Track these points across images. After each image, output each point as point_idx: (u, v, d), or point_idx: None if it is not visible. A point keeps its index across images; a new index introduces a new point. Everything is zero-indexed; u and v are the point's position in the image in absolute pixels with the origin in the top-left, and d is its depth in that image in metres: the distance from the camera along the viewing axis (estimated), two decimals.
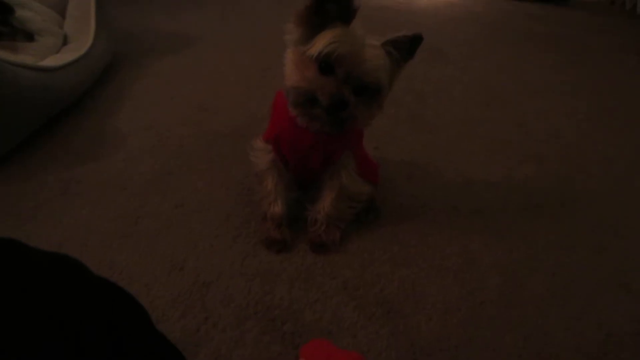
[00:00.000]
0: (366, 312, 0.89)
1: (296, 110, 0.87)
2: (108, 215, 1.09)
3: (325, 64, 0.80)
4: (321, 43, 0.78)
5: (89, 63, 1.52)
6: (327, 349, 0.76)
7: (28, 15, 1.56)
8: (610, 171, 1.43)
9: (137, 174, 1.23)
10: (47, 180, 1.18)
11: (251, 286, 0.92)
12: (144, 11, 2.56)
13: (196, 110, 1.57)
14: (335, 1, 0.78)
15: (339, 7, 0.79)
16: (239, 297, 0.90)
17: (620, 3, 3.83)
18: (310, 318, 0.87)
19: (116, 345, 0.36)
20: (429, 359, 0.82)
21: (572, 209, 1.25)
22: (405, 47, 0.85)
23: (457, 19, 2.91)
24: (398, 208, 1.18)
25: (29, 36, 1.50)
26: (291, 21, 0.83)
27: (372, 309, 0.90)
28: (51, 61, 1.38)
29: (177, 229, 1.06)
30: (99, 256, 0.97)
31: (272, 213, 1.02)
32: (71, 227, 1.04)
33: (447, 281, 0.99)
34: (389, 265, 1.01)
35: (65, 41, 1.64)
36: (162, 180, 1.22)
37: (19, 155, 1.25)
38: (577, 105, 1.86)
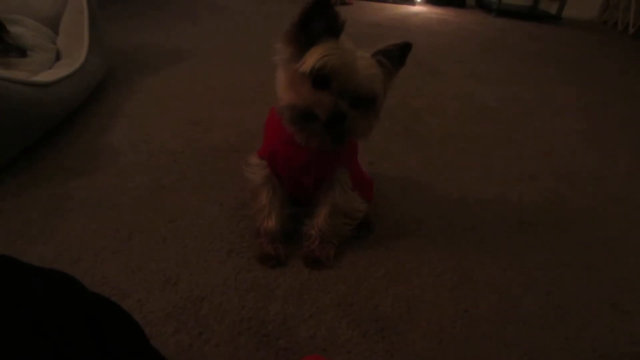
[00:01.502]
0: (361, 329, 0.88)
1: (293, 127, 0.87)
2: (101, 231, 1.08)
3: (319, 79, 0.80)
4: (313, 58, 0.79)
5: (82, 79, 1.52)
6: None
7: (21, 31, 1.57)
8: (603, 189, 1.45)
9: (130, 190, 1.22)
10: (40, 195, 1.17)
11: (245, 301, 0.91)
12: (137, 27, 2.59)
13: (189, 125, 1.57)
14: (321, 17, 0.79)
15: (326, 22, 0.80)
16: (232, 313, 0.89)
17: (613, 23, 3.93)
18: (304, 334, 0.86)
19: (110, 356, 0.35)
20: None
21: (565, 227, 1.26)
22: (395, 56, 0.86)
23: (452, 36, 2.97)
24: (392, 224, 1.19)
25: (22, 52, 1.50)
26: (280, 41, 0.84)
27: (367, 325, 0.89)
28: (44, 77, 1.38)
29: (170, 244, 1.05)
30: (92, 271, 0.96)
31: (266, 228, 1.02)
32: (64, 243, 1.03)
33: (442, 298, 0.98)
34: (384, 281, 1.00)
35: (58, 57, 1.65)
36: (156, 195, 1.21)
37: (11, 170, 1.24)
38: (570, 123, 1.89)
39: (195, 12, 3.23)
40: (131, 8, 3.06)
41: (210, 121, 1.61)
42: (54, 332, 0.33)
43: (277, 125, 0.92)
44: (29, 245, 1.02)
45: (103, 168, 1.30)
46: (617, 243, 1.21)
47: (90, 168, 1.30)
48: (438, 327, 0.91)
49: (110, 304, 0.41)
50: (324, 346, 0.84)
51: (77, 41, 1.66)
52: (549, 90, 2.22)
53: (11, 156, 1.25)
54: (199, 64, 2.13)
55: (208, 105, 1.73)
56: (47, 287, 0.36)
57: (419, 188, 1.35)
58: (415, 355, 0.85)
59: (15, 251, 0.99)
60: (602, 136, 1.81)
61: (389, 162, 1.46)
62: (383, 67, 0.85)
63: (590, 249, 1.18)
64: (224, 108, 1.72)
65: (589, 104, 2.11)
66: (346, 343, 0.85)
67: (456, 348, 0.88)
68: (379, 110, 0.89)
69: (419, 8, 4.37)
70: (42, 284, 0.36)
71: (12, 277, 0.34)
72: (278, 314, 0.89)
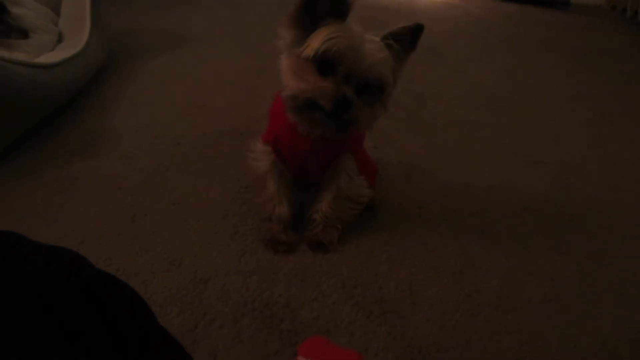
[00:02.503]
0: (364, 311, 0.89)
1: (296, 116, 0.85)
2: (105, 213, 1.08)
3: (324, 64, 0.77)
4: (317, 41, 0.75)
5: (84, 60, 1.51)
6: (325, 346, 0.76)
7: (22, 13, 1.55)
8: (610, 177, 1.44)
9: (133, 172, 1.22)
10: (44, 177, 1.17)
11: (249, 283, 0.92)
12: (140, 9, 2.56)
13: (192, 109, 1.57)
14: None
15: (331, 4, 0.76)
16: (236, 294, 0.89)
17: (622, 9, 3.86)
18: (308, 316, 0.86)
19: (118, 336, 0.35)
20: (426, 359, 0.82)
21: (570, 215, 1.25)
22: (406, 39, 0.82)
23: (458, 21, 2.93)
24: (396, 209, 1.18)
25: (24, 33, 1.49)
26: (283, 25, 0.81)
27: (370, 308, 0.90)
28: (46, 58, 1.37)
29: (174, 226, 1.06)
30: (96, 254, 0.96)
31: (278, 215, 1.01)
32: (68, 225, 1.03)
33: (445, 283, 0.99)
34: (387, 265, 1.00)
35: (60, 39, 1.64)
36: (159, 178, 1.21)
37: (14, 153, 1.24)
38: (577, 110, 1.87)
39: None
40: None
41: (213, 105, 1.60)
42: (59, 308, 0.33)
43: (281, 112, 0.90)
44: (33, 226, 1.02)
45: (106, 151, 1.30)
46: (622, 232, 1.20)
47: (94, 151, 1.29)
48: (440, 311, 0.92)
49: (116, 281, 0.41)
50: (327, 328, 0.85)
51: (79, 23, 1.64)
52: (556, 77, 2.20)
53: (14, 138, 1.25)
54: (202, 47, 2.11)
55: (211, 89, 1.71)
56: (52, 263, 0.36)
57: (423, 173, 1.34)
58: (418, 339, 0.85)
59: (19, 232, 0.99)
60: (609, 123, 1.79)
61: (393, 147, 1.45)
62: (393, 51, 0.81)
63: (595, 237, 1.18)
64: (228, 91, 1.71)
65: (596, 91, 2.09)
66: (349, 325, 0.86)
67: (458, 332, 0.88)
68: (387, 100, 0.85)
69: None
70: (48, 260, 0.36)
71: (17, 253, 0.34)
72: (281, 296, 0.90)
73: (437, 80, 1.98)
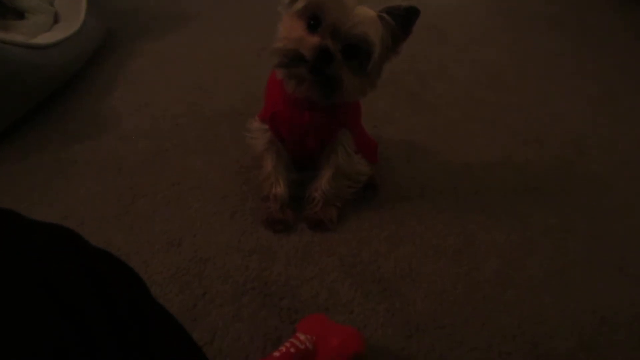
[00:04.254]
0: (363, 289, 0.89)
1: (281, 72, 0.85)
2: (105, 194, 1.08)
3: (313, 20, 0.78)
4: None
5: (81, 41, 1.49)
6: (324, 323, 0.77)
7: None
8: (612, 156, 1.42)
9: (132, 154, 1.22)
10: (44, 159, 1.17)
11: (248, 263, 0.92)
12: None
13: (191, 89, 1.55)
14: None
15: None
16: (236, 274, 0.90)
17: None
18: (307, 294, 0.87)
19: (116, 314, 0.36)
20: (425, 335, 0.83)
21: (571, 193, 1.24)
22: (399, 20, 0.81)
23: None
24: (396, 188, 1.18)
25: (19, 14, 1.47)
26: None
27: (369, 286, 0.90)
28: (43, 39, 1.35)
29: (174, 207, 1.06)
30: (96, 234, 0.97)
31: (275, 194, 1.01)
32: (68, 206, 1.04)
33: (444, 261, 0.99)
34: (386, 244, 1.01)
35: (56, 19, 1.61)
36: (158, 159, 1.21)
37: (13, 135, 1.23)
38: (580, 88, 1.84)
39: None
40: None
41: (213, 85, 1.58)
42: (58, 286, 0.33)
43: (279, 86, 0.90)
44: (33, 208, 1.02)
45: (106, 132, 1.29)
46: (624, 210, 1.20)
47: (93, 132, 1.29)
48: (439, 288, 0.92)
49: (113, 259, 0.41)
50: (327, 306, 0.86)
51: (75, 3, 1.61)
52: (559, 54, 2.15)
53: (13, 120, 1.24)
54: (201, 27, 2.07)
55: (211, 69, 1.69)
56: (50, 241, 0.36)
57: (424, 152, 1.33)
58: (417, 315, 0.86)
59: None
60: (613, 101, 1.76)
61: (394, 127, 1.44)
62: (385, 24, 0.80)
63: (596, 214, 1.17)
64: (227, 72, 1.69)
65: (600, 68, 2.05)
66: (348, 303, 0.86)
67: (457, 309, 0.89)
68: (374, 70, 0.84)
69: None
70: (46, 237, 0.36)
71: (15, 230, 0.34)
72: (281, 275, 0.90)
73: (438, 59, 1.95)
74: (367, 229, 1.04)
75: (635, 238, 1.11)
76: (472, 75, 1.85)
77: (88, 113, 1.38)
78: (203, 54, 1.82)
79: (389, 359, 0.80)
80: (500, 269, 0.99)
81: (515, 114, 1.61)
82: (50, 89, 1.36)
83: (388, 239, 1.02)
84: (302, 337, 0.72)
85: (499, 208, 1.16)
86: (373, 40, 0.78)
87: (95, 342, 0.33)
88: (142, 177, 1.14)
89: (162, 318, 0.45)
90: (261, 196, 1.05)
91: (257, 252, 0.95)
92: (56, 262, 0.34)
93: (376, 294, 0.89)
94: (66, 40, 1.37)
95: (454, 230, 1.07)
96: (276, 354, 0.69)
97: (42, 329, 0.30)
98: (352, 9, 0.77)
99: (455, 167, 1.29)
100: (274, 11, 0.85)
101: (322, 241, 0.99)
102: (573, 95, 1.78)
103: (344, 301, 0.87)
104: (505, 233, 1.08)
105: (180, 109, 1.43)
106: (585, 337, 0.87)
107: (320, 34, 0.78)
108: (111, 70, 1.62)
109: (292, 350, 0.70)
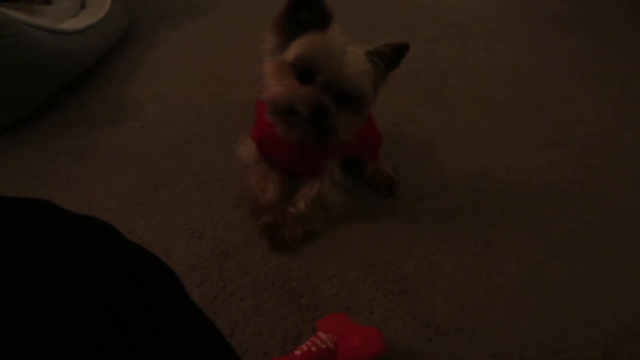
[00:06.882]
0: (383, 290, 0.89)
1: (275, 120, 0.84)
2: (126, 182, 1.08)
3: (304, 72, 0.77)
4: (297, 48, 0.76)
5: (106, 28, 1.49)
6: (345, 323, 0.77)
7: None
8: (636, 161, 1.40)
9: (154, 142, 1.22)
10: (65, 145, 1.17)
11: (269, 258, 0.92)
12: None
13: (213, 79, 1.55)
14: (308, 8, 0.75)
15: (312, 14, 0.76)
16: (256, 268, 0.90)
17: None
18: (327, 292, 0.87)
19: (151, 312, 0.35)
20: (445, 339, 0.82)
21: (594, 198, 1.23)
22: (389, 57, 0.82)
23: None
24: (416, 187, 1.17)
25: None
26: (267, 30, 0.81)
27: (390, 286, 0.90)
28: (69, 25, 1.35)
29: (194, 198, 1.06)
30: (117, 222, 0.94)
31: (265, 201, 0.98)
32: (89, 192, 1.04)
33: (464, 264, 0.98)
34: (406, 244, 1.00)
35: (82, 5, 1.62)
36: (179, 148, 1.21)
37: (36, 120, 1.24)
38: (603, 90, 1.80)
39: None
40: None
41: (233, 75, 1.58)
42: (95, 280, 0.33)
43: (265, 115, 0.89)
44: (55, 193, 1.03)
45: (127, 120, 1.30)
46: None
47: (114, 119, 1.29)
48: (460, 291, 0.91)
49: (149, 255, 0.41)
50: (347, 305, 0.85)
51: None
52: (583, 55, 2.11)
53: (37, 105, 1.25)
54: (223, 17, 2.07)
55: (232, 60, 1.69)
56: (87, 234, 0.36)
57: (444, 152, 1.32)
58: (437, 318, 0.85)
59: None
60: (636, 105, 1.73)
61: (414, 125, 1.42)
62: (375, 65, 0.80)
63: (619, 220, 1.16)
64: (248, 62, 1.68)
65: (622, 70, 2.01)
66: (369, 303, 0.86)
67: (477, 313, 0.88)
68: (367, 110, 0.85)
69: None
70: (83, 230, 0.36)
71: (52, 222, 0.34)
72: (301, 272, 0.90)
73: (459, 57, 1.92)
74: (387, 229, 1.03)
75: None
76: (492, 74, 1.83)
77: (110, 100, 1.38)
78: (224, 44, 1.81)
79: None
80: (521, 274, 0.98)
81: (537, 114, 1.58)
82: (74, 75, 1.37)
83: (408, 239, 1.01)
84: (323, 336, 0.72)
85: (520, 211, 1.15)
86: (366, 91, 0.80)
87: (133, 340, 0.33)
88: (163, 166, 1.14)
89: (196, 316, 0.45)
90: (251, 209, 1.01)
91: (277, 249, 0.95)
92: (93, 255, 0.34)
93: (396, 295, 0.88)
94: (92, 27, 1.38)
95: (474, 232, 1.06)
96: (297, 352, 0.69)
97: (81, 324, 0.30)
98: (343, 55, 0.77)
99: (476, 167, 1.28)
100: None
101: (343, 240, 0.99)
102: (594, 96, 1.75)
103: (364, 301, 0.86)
104: (526, 237, 1.07)
105: (200, 99, 1.42)
106: (608, 346, 0.86)
107: (314, 87, 0.77)
108: (133, 59, 1.62)
109: (314, 349, 0.69)
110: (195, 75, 1.57)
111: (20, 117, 1.21)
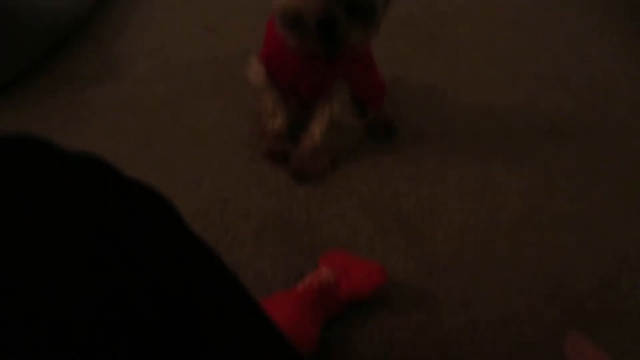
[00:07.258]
0: (383, 228, 0.89)
1: (285, 32, 0.81)
2: (122, 138, 1.08)
3: None
4: None
5: None
6: (346, 257, 0.77)
7: None
8: None
9: (147, 97, 1.20)
10: (59, 103, 1.16)
11: (269, 203, 0.92)
12: None
13: (204, 32, 1.51)
14: None
15: None
16: (257, 212, 0.90)
17: None
18: (328, 233, 0.87)
19: (156, 244, 0.35)
20: (445, 273, 0.83)
21: (598, 137, 1.20)
22: None
23: None
24: (417, 130, 1.15)
25: None
26: None
27: (390, 224, 0.90)
28: None
29: (191, 149, 1.05)
30: None
31: (272, 128, 0.98)
32: (87, 148, 1.03)
33: (466, 202, 0.98)
34: (407, 184, 0.99)
35: None
36: (173, 103, 1.19)
37: (26, 80, 1.22)
38: (609, 28, 1.74)
39: None
40: None
41: (225, 28, 1.53)
42: (94, 210, 0.32)
43: (275, 29, 0.86)
44: None
45: (119, 76, 1.27)
46: None
47: (106, 76, 1.27)
48: (460, 228, 0.92)
49: (148, 189, 0.40)
50: (348, 244, 0.86)
51: None
52: None
53: (22, 65, 1.22)
54: None
55: (222, 11, 1.63)
56: (86, 170, 0.35)
57: (445, 94, 1.29)
58: (437, 254, 0.86)
59: None
60: None
61: (414, 69, 1.39)
62: None
63: (622, 159, 1.14)
64: (239, 14, 1.63)
65: (630, 9, 1.93)
66: (369, 241, 0.87)
67: (478, 247, 0.89)
68: (379, 22, 0.81)
69: None
70: (81, 165, 0.35)
71: (47, 158, 0.33)
72: (302, 214, 0.91)
73: None
74: (388, 170, 1.02)
75: None
76: (495, 16, 1.76)
77: (101, 57, 1.35)
78: None
79: (410, 295, 0.81)
80: (521, 211, 0.97)
81: (541, 56, 1.53)
82: (61, 34, 1.33)
83: (409, 179, 1.00)
84: (324, 270, 0.73)
85: (523, 151, 1.13)
86: (377, 1, 0.76)
87: (134, 259, 0.33)
88: (159, 120, 1.13)
89: (202, 248, 0.45)
90: (260, 132, 1.03)
91: (277, 192, 0.95)
92: (93, 189, 0.34)
93: (397, 232, 0.89)
94: None
95: (475, 171, 1.05)
96: (300, 287, 0.70)
97: (77, 241, 0.30)
98: None
99: (478, 109, 1.25)
100: None
101: (342, 182, 0.98)
102: (600, 34, 1.70)
103: (364, 239, 0.87)
104: (527, 176, 1.06)
105: (193, 52, 1.39)
106: (606, 276, 0.87)
107: None
108: (120, 14, 1.57)
109: (315, 284, 0.70)
110: (185, 28, 1.52)
111: (7, 79, 1.18)
